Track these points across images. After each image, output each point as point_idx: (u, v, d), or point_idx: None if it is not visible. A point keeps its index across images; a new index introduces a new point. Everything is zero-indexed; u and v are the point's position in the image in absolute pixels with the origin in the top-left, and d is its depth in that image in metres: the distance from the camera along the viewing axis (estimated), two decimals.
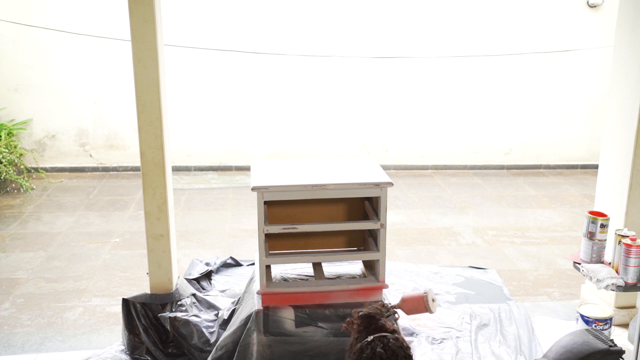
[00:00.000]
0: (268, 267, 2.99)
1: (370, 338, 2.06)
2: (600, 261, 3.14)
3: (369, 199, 3.14)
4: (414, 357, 2.08)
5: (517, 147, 7.98)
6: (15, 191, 6.64)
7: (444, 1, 7.48)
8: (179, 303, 3.60)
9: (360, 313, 2.18)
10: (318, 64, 7.51)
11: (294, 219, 3.10)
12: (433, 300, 2.88)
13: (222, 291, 4.09)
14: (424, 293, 2.87)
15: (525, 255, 5.24)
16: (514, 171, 7.89)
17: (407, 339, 3.60)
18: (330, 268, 3.26)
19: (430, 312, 2.86)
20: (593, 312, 3.55)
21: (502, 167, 7.95)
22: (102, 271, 4.76)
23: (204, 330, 3.48)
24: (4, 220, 5.80)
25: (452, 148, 7.89)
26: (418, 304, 2.86)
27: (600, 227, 3.09)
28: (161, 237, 3.61)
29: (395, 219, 5.97)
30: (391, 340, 2.05)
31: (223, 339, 3.10)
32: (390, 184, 2.88)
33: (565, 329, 3.53)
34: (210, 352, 3.23)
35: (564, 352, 3.00)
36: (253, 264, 4.50)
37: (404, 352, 2.06)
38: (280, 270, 3.25)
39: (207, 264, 4.42)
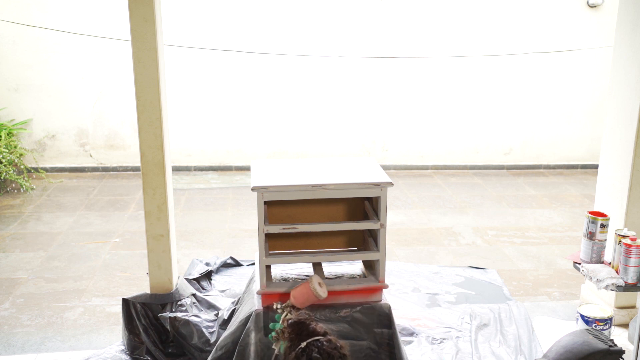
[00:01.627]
0: (268, 267, 2.99)
1: (303, 344, 2.07)
2: (600, 261, 3.14)
3: (369, 199, 3.14)
4: (348, 357, 2.11)
5: (517, 147, 7.98)
6: (15, 191, 6.64)
7: (444, 1, 7.48)
8: (179, 303, 3.60)
9: (290, 321, 2.19)
10: (318, 64, 7.51)
11: (294, 219, 3.10)
12: (320, 284, 2.83)
13: (222, 291, 4.10)
14: (308, 281, 2.82)
15: (525, 255, 5.24)
16: (514, 171, 7.89)
17: (407, 339, 3.61)
18: (330, 268, 3.26)
19: (321, 297, 2.80)
20: (593, 312, 3.55)
21: (502, 167, 7.95)
22: (102, 271, 4.75)
23: (204, 330, 3.48)
24: (4, 220, 5.80)
25: (452, 148, 7.89)
26: (307, 294, 2.81)
27: (600, 227, 3.09)
28: (161, 237, 3.61)
29: (395, 219, 5.97)
30: (324, 342, 2.07)
31: (223, 339, 3.10)
32: (390, 184, 2.88)
33: (565, 329, 3.54)
34: (210, 352, 3.23)
35: (564, 352, 3.00)
36: (253, 264, 4.50)
37: (339, 352, 2.08)
38: (280, 270, 3.24)
39: (207, 264, 4.42)
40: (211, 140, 7.58)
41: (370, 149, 7.81)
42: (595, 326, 3.47)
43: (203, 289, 4.08)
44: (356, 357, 2.88)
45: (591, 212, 3.15)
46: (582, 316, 3.54)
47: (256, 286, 3.00)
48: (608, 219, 3.11)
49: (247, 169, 7.39)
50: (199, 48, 7.21)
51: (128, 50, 3.47)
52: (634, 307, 3.86)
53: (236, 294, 3.97)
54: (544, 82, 7.83)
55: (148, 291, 3.65)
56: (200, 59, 7.32)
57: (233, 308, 3.55)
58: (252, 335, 2.88)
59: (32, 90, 7.25)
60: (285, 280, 3.14)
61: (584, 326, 3.48)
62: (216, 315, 3.62)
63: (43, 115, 7.32)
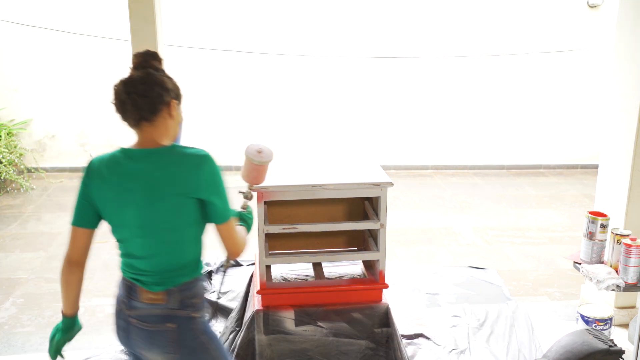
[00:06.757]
0: (268, 267, 2.99)
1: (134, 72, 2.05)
2: (600, 261, 3.14)
3: (369, 199, 3.14)
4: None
5: (517, 147, 7.98)
6: (15, 191, 6.64)
7: (444, 1, 7.48)
8: None
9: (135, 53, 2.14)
10: (318, 64, 7.51)
11: (294, 219, 3.10)
12: (259, 151, 2.64)
13: (223, 292, 4.10)
14: (245, 156, 2.63)
15: (525, 255, 5.24)
16: (514, 171, 7.89)
17: (407, 341, 3.61)
18: (330, 268, 3.26)
19: (263, 162, 2.60)
20: (593, 312, 3.55)
21: (502, 167, 7.95)
22: (102, 271, 4.75)
23: None
24: (4, 220, 5.80)
25: (452, 148, 7.89)
26: (250, 167, 2.63)
27: (600, 227, 3.09)
28: None
29: (395, 219, 5.97)
30: (139, 73, 2.03)
31: (224, 340, 3.11)
32: (390, 184, 2.88)
33: (565, 329, 3.53)
34: None
35: (564, 352, 3.01)
36: (253, 264, 4.50)
37: (145, 77, 2.01)
38: (280, 270, 3.25)
39: (207, 264, 4.42)
40: (211, 140, 7.57)
41: (370, 149, 7.81)
42: (595, 326, 3.47)
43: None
44: (355, 356, 2.88)
45: (591, 212, 3.14)
46: (582, 316, 3.54)
47: (256, 286, 3.00)
48: (608, 219, 3.11)
49: None
50: (199, 48, 7.22)
51: (128, 50, 3.48)
52: (634, 307, 3.85)
53: (236, 294, 3.97)
54: (544, 82, 7.83)
55: None
56: (200, 59, 7.32)
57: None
58: (253, 335, 2.88)
59: (32, 90, 7.25)
60: (285, 280, 3.14)
61: (584, 326, 3.48)
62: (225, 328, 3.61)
63: (43, 115, 7.33)
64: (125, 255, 2.13)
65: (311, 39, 7.41)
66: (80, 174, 2.10)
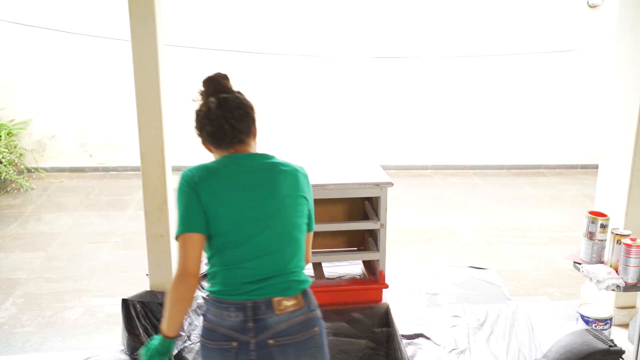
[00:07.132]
0: None
1: (212, 99, 2.03)
2: (600, 261, 3.14)
3: (369, 199, 3.14)
4: None
5: (517, 147, 7.98)
6: (15, 191, 6.64)
7: (444, 1, 7.48)
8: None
9: (204, 78, 2.11)
10: (318, 64, 7.51)
11: None
12: None
13: None
14: None
15: (525, 255, 5.24)
16: (514, 171, 7.89)
17: (407, 341, 3.61)
18: (330, 268, 3.26)
19: None
20: (593, 312, 3.55)
21: (502, 167, 7.95)
22: (102, 271, 4.75)
23: None
24: (4, 220, 5.80)
25: (452, 148, 7.89)
26: None
27: (600, 227, 3.09)
28: (161, 237, 3.61)
29: (395, 219, 5.97)
30: (230, 97, 2.04)
31: None
32: (390, 184, 2.88)
33: (565, 329, 3.53)
34: None
35: (564, 352, 3.01)
36: None
37: (237, 102, 2.03)
38: None
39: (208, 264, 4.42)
40: None
41: (370, 149, 7.81)
42: (595, 326, 3.47)
43: (203, 288, 4.08)
44: (354, 355, 2.88)
45: (591, 212, 3.14)
46: (582, 316, 3.54)
47: None
48: (608, 219, 3.11)
49: None
50: (199, 48, 7.21)
51: (128, 50, 3.48)
52: (634, 307, 3.85)
53: None
54: (544, 82, 7.83)
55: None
56: (200, 59, 7.32)
57: None
58: None
59: (32, 90, 7.25)
60: None
61: (584, 326, 3.48)
62: None
63: (43, 115, 7.33)
64: (244, 260, 1.92)
65: (311, 39, 7.41)
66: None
